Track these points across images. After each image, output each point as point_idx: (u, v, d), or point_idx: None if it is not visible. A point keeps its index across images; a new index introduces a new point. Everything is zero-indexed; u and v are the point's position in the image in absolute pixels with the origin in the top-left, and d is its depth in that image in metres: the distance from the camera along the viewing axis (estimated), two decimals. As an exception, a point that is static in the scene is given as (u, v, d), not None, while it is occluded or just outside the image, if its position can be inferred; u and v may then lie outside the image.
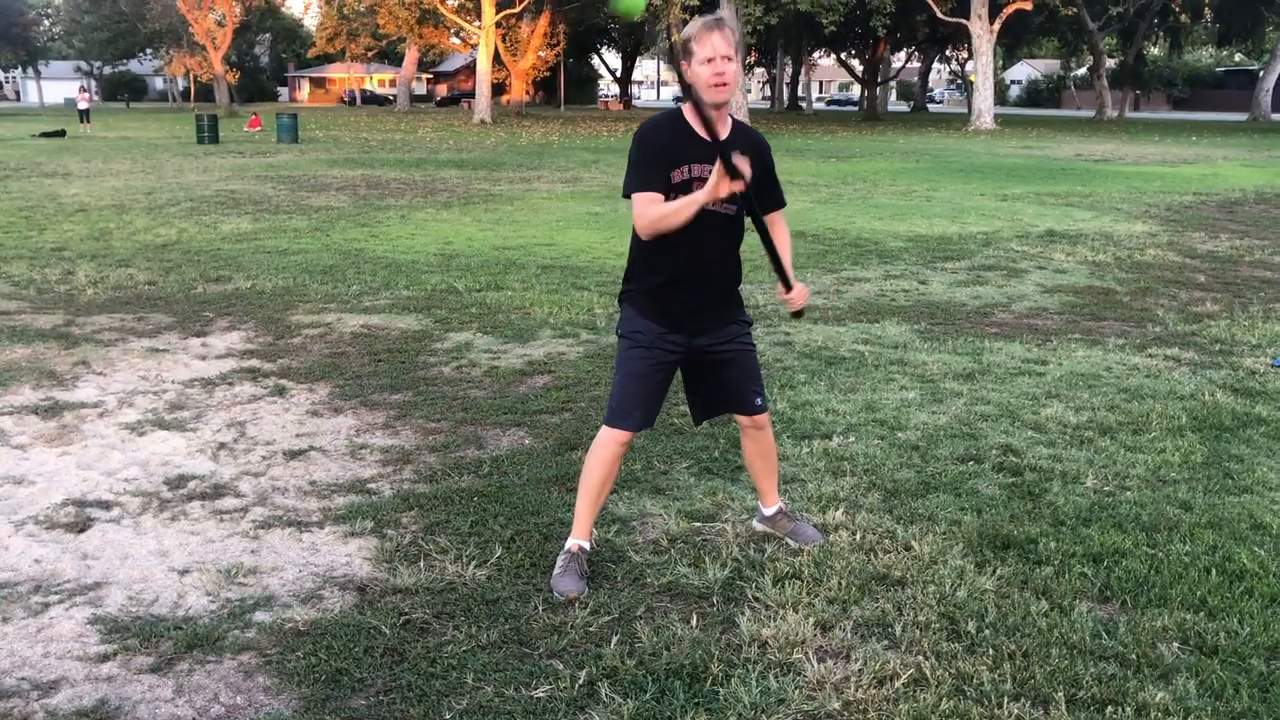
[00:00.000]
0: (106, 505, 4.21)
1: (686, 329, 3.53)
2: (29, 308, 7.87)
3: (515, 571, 3.62)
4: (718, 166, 3.13)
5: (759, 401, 3.69)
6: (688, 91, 3.28)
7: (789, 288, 3.54)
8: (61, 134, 33.29)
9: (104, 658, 3.09)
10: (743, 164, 3.14)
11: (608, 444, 3.54)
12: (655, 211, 3.32)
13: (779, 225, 3.61)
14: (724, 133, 3.33)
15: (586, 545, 3.63)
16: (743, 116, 39.58)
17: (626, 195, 3.41)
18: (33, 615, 3.34)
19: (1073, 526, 3.98)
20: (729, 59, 3.26)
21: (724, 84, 3.27)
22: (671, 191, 3.36)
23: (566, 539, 3.66)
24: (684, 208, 3.27)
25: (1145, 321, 7.71)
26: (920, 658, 3.08)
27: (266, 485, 4.44)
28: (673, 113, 3.42)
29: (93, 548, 3.83)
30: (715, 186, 3.15)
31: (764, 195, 3.49)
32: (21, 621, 3.30)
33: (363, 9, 51.05)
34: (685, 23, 42.65)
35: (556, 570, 3.56)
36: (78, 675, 3.00)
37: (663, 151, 3.36)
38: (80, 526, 4.00)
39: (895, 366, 6.31)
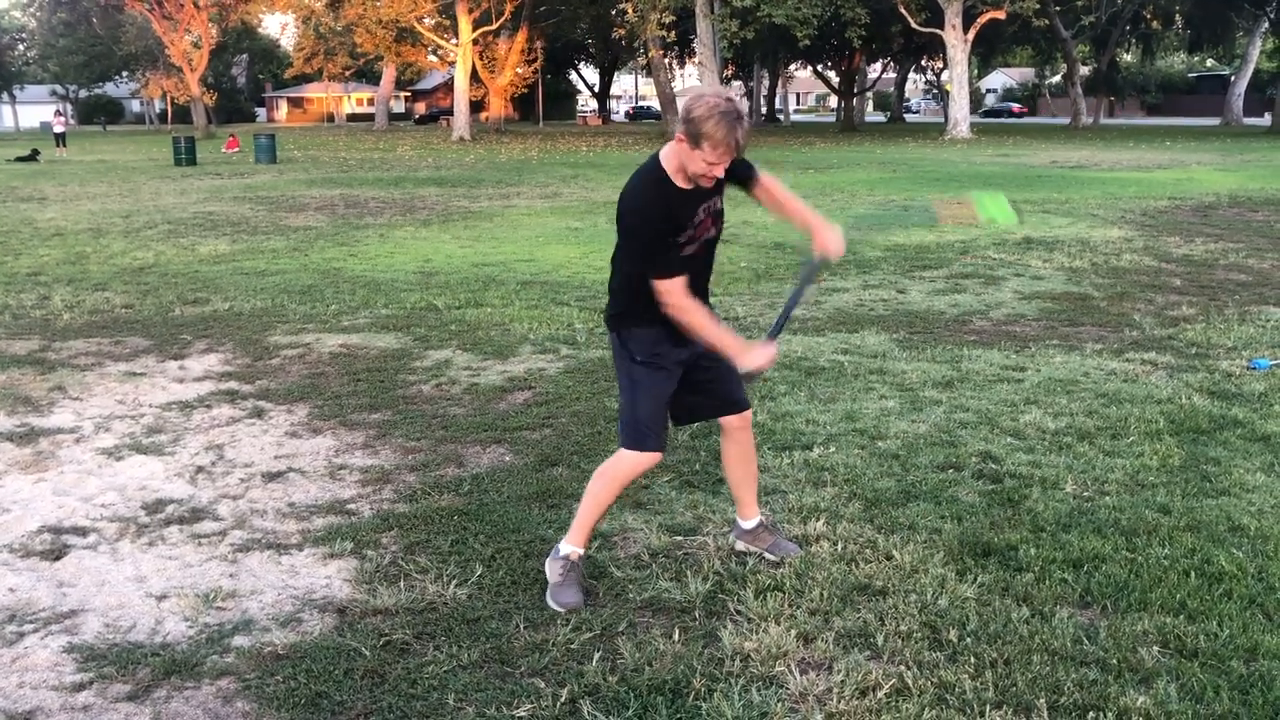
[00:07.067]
0: (83, 531, 4.17)
1: (690, 343, 3.50)
2: (3, 334, 7.81)
3: (496, 590, 3.60)
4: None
5: (746, 397, 3.70)
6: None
7: (821, 229, 3.53)
8: (34, 156, 33.06)
9: (80, 687, 3.06)
10: (760, 357, 3.39)
11: (636, 466, 3.52)
12: (691, 313, 3.36)
13: (771, 184, 3.56)
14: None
15: (583, 552, 3.62)
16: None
17: (641, 274, 3.37)
18: (7, 645, 3.30)
19: (1052, 532, 3.99)
20: (727, 164, 3.26)
21: (708, 182, 3.31)
22: (681, 247, 3.37)
23: (553, 552, 3.62)
24: (712, 336, 3.39)
25: (1122, 326, 7.76)
26: (902, 667, 3.08)
27: (245, 508, 4.41)
28: (655, 181, 3.33)
29: (69, 575, 3.79)
30: (744, 357, 3.40)
31: (738, 173, 3.46)
32: (-4, 651, 3.26)
33: (340, 28, 51.03)
34: (662, 39, 42.80)
35: (555, 580, 3.53)
36: (53, 705, 2.97)
37: (664, 228, 3.32)
38: (56, 554, 3.96)
39: (874, 376, 6.32)
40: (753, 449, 3.83)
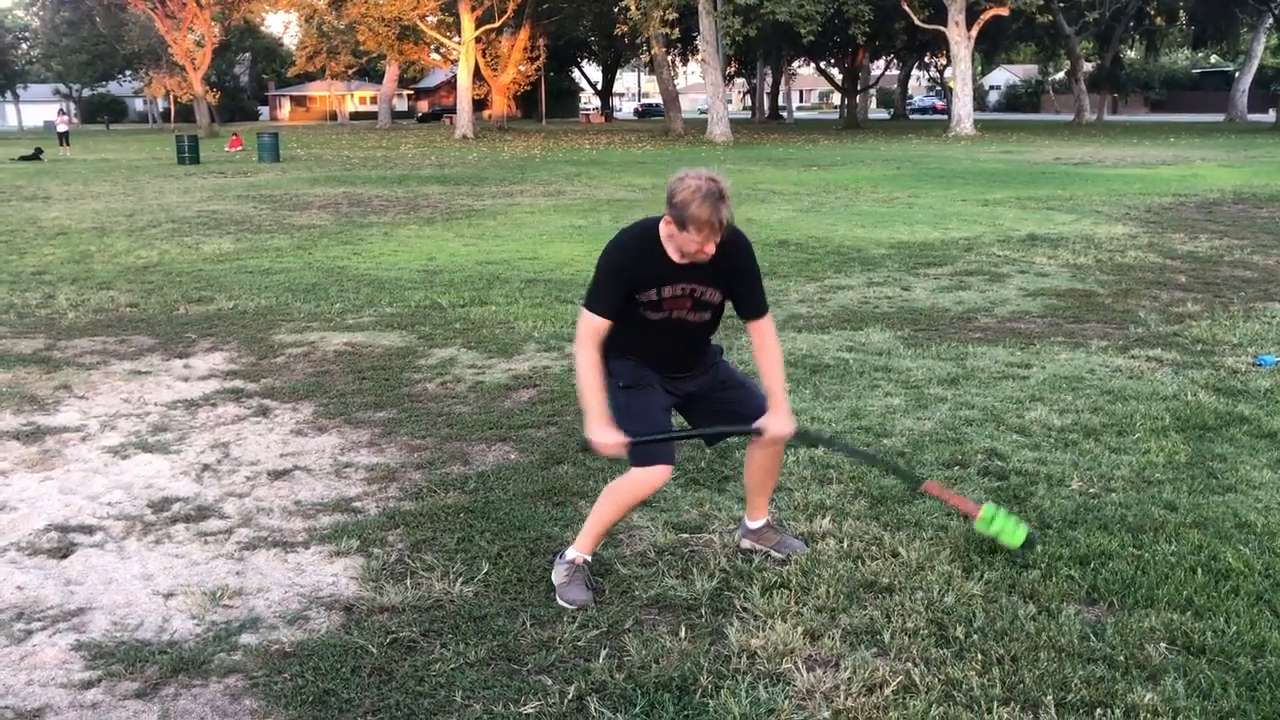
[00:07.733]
0: (89, 530, 4.18)
1: (673, 377, 3.60)
2: (9, 332, 7.82)
3: (502, 587, 3.60)
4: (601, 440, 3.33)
5: None
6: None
7: (775, 410, 3.51)
8: (38, 155, 33.10)
9: (88, 684, 3.06)
10: (602, 441, 3.34)
11: (646, 482, 3.48)
12: (582, 360, 3.39)
13: (763, 336, 3.57)
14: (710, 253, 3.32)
15: (589, 558, 3.63)
16: (724, 128, 39.75)
17: (585, 304, 3.46)
18: (15, 643, 3.31)
19: (1059, 529, 3.98)
20: (715, 242, 3.28)
21: (704, 258, 3.33)
22: (640, 308, 3.42)
23: (564, 552, 3.63)
24: (586, 398, 3.38)
25: (1127, 323, 7.75)
26: (909, 664, 3.08)
27: (251, 506, 4.42)
28: (647, 232, 3.40)
29: (76, 573, 3.80)
30: (602, 444, 3.34)
31: (739, 302, 3.53)
32: (4, 649, 3.27)
33: (342, 26, 50.98)
34: (665, 36, 42.77)
35: (561, 580, 3.54)
36: (62, 703, 2.98)
37: (626, 278, 3.39)
38: (63, 552, 3.97)
39: (880, 373, 6.32)
40: (779, 462, 3.84)
